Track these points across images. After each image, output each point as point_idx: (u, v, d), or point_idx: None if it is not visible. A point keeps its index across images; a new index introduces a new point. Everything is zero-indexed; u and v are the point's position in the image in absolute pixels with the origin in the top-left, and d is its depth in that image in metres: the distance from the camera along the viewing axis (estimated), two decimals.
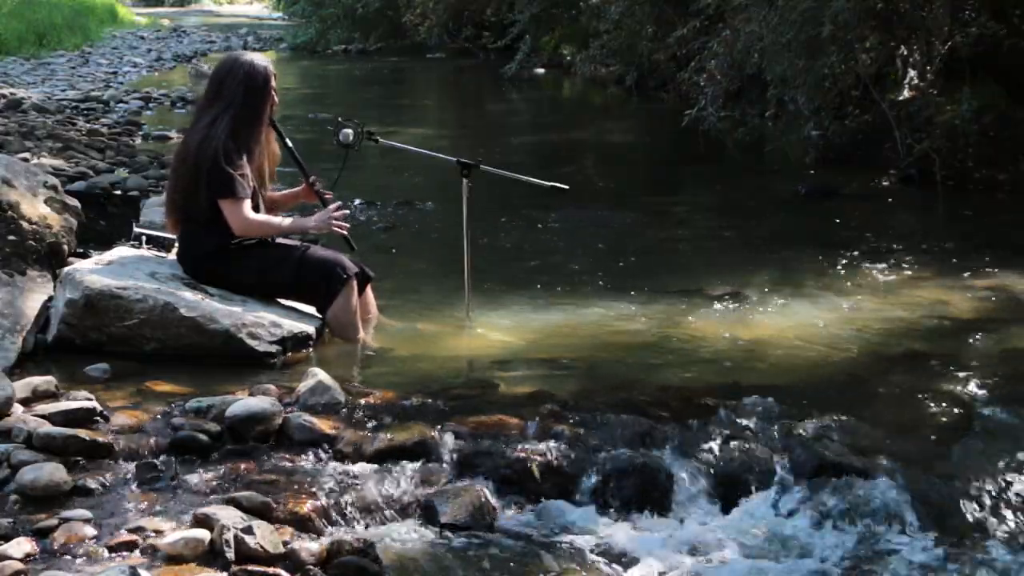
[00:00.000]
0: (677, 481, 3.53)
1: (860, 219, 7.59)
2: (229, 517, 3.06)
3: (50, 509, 3.17)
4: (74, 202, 5.04)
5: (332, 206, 4.92)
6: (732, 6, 10.08)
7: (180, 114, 13.36)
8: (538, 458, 3.58)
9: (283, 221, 4.91)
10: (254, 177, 4.71)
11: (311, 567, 3.00)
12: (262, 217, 4.78)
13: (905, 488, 3.45)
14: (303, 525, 3.21)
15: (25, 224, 4.70)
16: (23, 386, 3.87)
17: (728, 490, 3.54)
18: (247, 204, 4.66)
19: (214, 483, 3.40)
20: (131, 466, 3.46)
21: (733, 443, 3.67)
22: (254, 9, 45.17)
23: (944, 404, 4.14)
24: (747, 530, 3.38)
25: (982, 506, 3.40)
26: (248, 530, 3.01)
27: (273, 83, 4.80)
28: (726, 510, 3.49)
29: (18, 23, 20.24)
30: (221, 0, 49.82)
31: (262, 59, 4.92)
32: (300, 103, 13.54)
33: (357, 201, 7.73)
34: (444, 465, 3.58)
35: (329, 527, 3.25)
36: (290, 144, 5.01)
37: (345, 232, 4.93)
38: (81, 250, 5.04)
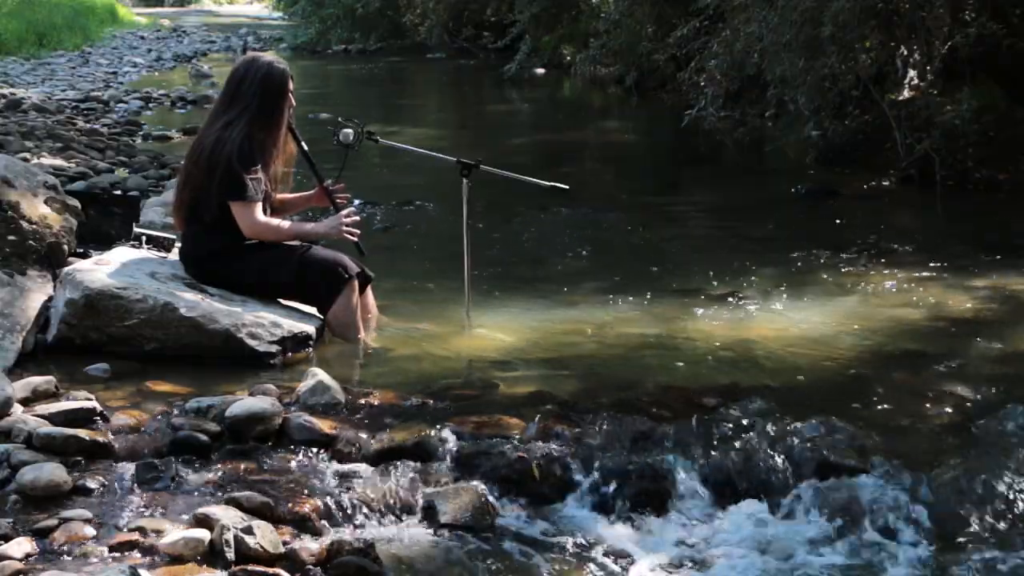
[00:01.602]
0: (677, 481, 3.53)
1: (860, 219, 7.59)
2: (229, 517, 3.06)
3: (50, 509, 3.17)
4: (74, 202, 5.03)
5: (343, 212, 4.91)
6: (732, 6, 10.07)
7: (180, 114, 13.38)
8: (538, 458, 3.58)
9: (293, 225, 4.89)
10: (267, 180, 4.71)
11: (311, 567, 3.01)
12: (273, 221, 4.77)
13: (905, 488, 3.45)
14: (303, 525, 3.21)
15: (25, 224, 4.70)
16: (23, 386, 3.87)
17: (728, 490, 3.53)
18: (258, 207, 4.66)
19: (214, 483, 3.40)
20: (131, 466, 3.45)
21: (733, 443, 3.67)
22: (254, 9, 45.18)
23: (944, 404, 4.13)
24: (747, 530, 3.38)
25: (982, 506, 3.39)
26: (248, 530, 3.01)
27: (290, 86, 4.79)
28: (726, 510, 3.49)
29: (18, 23, 20.28)
30: (221, 0, 49.82)
31: (280, 62, 4.89)
32: (300, 103, 13.51)
33: (357, 201, 7.71)
34: (444, 465, 3.58)
35: (329, 527, 3.25)
36: (306, 148, 4.98)
37: (356, 239, 4.92)
38: (81, 250, 5.03)
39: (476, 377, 4.44)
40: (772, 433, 3.71)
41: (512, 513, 3.44)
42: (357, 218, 4.97)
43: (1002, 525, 3.34)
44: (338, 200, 5.01)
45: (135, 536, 3.06)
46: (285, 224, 4.85)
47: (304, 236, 4.86)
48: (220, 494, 3.30)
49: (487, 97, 17.40)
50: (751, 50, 9.50)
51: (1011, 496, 3.41)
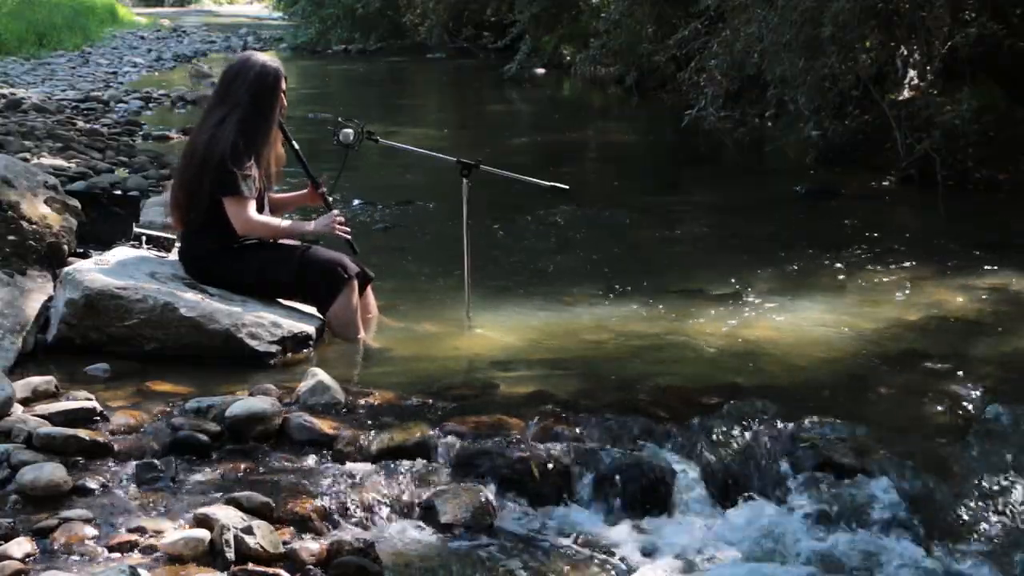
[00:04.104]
0: (677, 481, 3.53)
1: (860, 219, 7.59)
2: (229, 517, 3.06)
3: (50, 509, 3.17)
4: (74, 202, 5.04)
5: (335, 211, 4.94)
6: (732, 6, 10.07)
7: (180, 114, 13.37)
8: (538, 458, 3.58)
9: (285, 223, 4.91)
10: (260, 178, 4.72)
11: (311, 567, 3.01)
12: (265, 218, 4.78)
13: (905, 488, 3.45)
14: (303, 525, 3.21)
15: (25, 224, 4.70)
16: (23, 386, 3.87)
17: (728, 490, 3.54)
18: (251, 204, 4.67)
19: (214, 483, 3.40)
20: (131, 466, 3.46)
21: (733, 443, 3.67)
22: (254, 9, 45.18)
23: (944, 404, 4.13)
24: (747, 530, 3.38)
25: (982, 506, 3.40)
26: (248, 530, 3.01)
27: (283, 85, 4.81)
28: (726, 510, 3.49)
29: (18, 23, 20.27)
30: (221, 0, 49.82)
31: (273, 61, 4.92)
32: (300, 103, 13.50)
33: (357, 201, 7.73)
34: (444, 465, 3.58)
35: (329, 527, 3.25)
36: (296, 147, 5.01)
37: (348, 236, 4.94)
38: (81, 250, 5.03)
39: (476, 377, 4.43)
40: (772, 433, 3.71)
41: (512, 513, 3.44)
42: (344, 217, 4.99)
43: (1001, 525, 3.34)
44: (329, 200, 5.03)
45: (135, 536, 3.06)
46: (277, 222, 4.86)
47: (295, 234, 4.88)
48: (220, 494, 3.30)
49: (487, 97, 17.39)
50: (751, 50, 9.49)
51: (1010, 496, 3.42)
